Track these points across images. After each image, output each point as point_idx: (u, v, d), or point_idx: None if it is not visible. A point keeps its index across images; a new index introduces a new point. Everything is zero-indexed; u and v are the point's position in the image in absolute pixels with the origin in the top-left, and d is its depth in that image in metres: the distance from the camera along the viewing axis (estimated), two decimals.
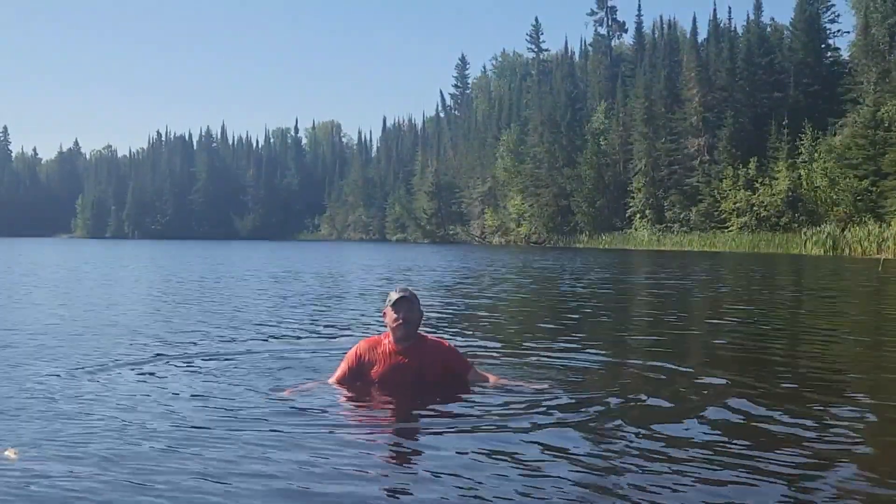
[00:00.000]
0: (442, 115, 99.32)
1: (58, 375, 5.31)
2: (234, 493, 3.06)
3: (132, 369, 5.66)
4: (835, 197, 42.29)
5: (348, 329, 8.25)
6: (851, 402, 4.77)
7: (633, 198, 57.54)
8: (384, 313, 4.86)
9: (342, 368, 4.90)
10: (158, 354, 6.34)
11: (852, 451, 3.67)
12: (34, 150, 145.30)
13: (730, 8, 79.01)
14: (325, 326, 8.61)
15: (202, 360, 6.08)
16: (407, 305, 4.75)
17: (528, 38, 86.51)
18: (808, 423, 4.13)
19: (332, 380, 4.89)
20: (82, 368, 5.60)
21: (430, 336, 5.14)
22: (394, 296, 4.79)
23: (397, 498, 3.06)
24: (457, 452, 3.57)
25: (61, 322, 8.92)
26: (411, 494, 3.10)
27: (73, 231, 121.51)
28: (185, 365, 5.88)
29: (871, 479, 3.24)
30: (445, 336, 6.68)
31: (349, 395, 4.73)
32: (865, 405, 4.69)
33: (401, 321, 4.72)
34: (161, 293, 14.08)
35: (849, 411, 4.48)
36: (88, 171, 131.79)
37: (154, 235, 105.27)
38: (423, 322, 5.00)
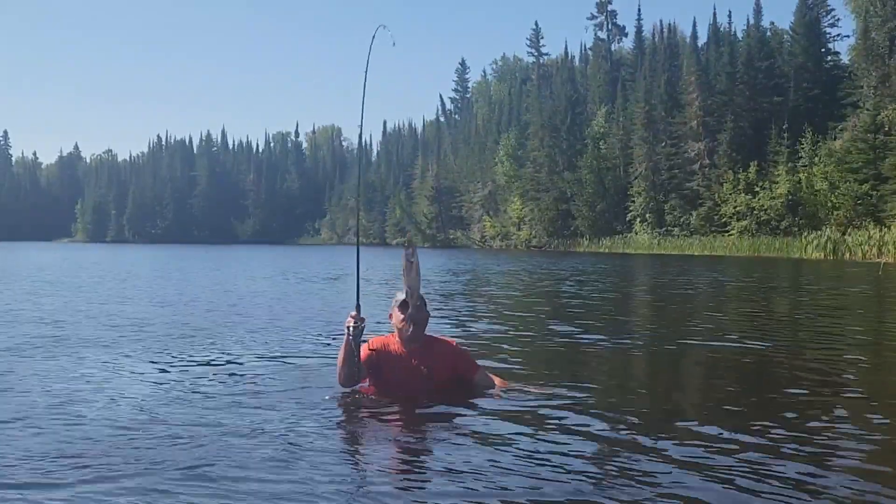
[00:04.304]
0: (442, 119, 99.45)
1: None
2: (244, 488, 3.09)
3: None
4: (835, 201, 42.30)
5: None
6: (851, 406, 4.79)
7: (633, 202, 57.61)
8: (390, 314, 4.81)
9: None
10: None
11: (852, 453, 3.67)
12: (34, 154, 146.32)
13: (730, 12, 79.05)
14: None
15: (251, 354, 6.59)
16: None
17: (528, 42, 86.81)
18: (808, 424, 4.15)
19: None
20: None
21: (438, 336, 5.10)
22: (400, 296, 4.75)
23: (403, 499, 3.07)
24: (463, 455, 3.58)
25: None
26: (418, 496, 3.11)
27: (74, 235, 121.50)
28: (237, 359, 6.34)
29: (870, 482, 3.24)
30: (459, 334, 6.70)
31: (360, 396, 4.73)
32: (866, 408, 4.71)
33: (407, 322, 4.70)
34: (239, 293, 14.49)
35: (849, 414, 4.49)
36: (89, 175, 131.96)
37: (154, 240, 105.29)
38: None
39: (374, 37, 5.14)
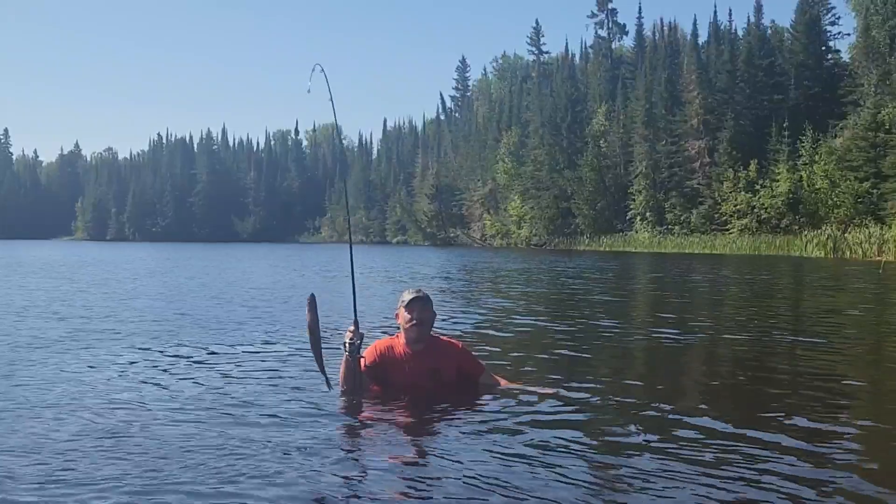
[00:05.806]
0: (442, 117, 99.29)
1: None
2: (247, 492, 3.13)
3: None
4: (835, 199, 42.32)
5: None
6: (851, 404, 4.82)
7: (633, 200, 57.60)
8: (397, 314, 4.81)
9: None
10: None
11: (852, 453, 3.70)
12: (35, 152, 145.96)
13: (730, 10, 79.51)
14: None
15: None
16: (420, 305, 4.71)
17: (528, 40, 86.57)
18: (808, 424, 4.19)
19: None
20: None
21: (442, 337, 5.11)
22: (407, 296, 4.75)
23: (411, 499, 3.11)
24: (469, 455, 3.61)
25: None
26: (424, 497, 3.14)
27: (74, 233, 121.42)
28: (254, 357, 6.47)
29: (870, 483, 3.27)
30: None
31: (366, 397, 4.72)
32: (866, 408, 4.74)
33: (415, 322, 4.68)
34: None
35: (848, 413, 4.52)
36: (89, 173, 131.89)
37: (154, 238, 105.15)
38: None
39: (324, 75, 5.26)
